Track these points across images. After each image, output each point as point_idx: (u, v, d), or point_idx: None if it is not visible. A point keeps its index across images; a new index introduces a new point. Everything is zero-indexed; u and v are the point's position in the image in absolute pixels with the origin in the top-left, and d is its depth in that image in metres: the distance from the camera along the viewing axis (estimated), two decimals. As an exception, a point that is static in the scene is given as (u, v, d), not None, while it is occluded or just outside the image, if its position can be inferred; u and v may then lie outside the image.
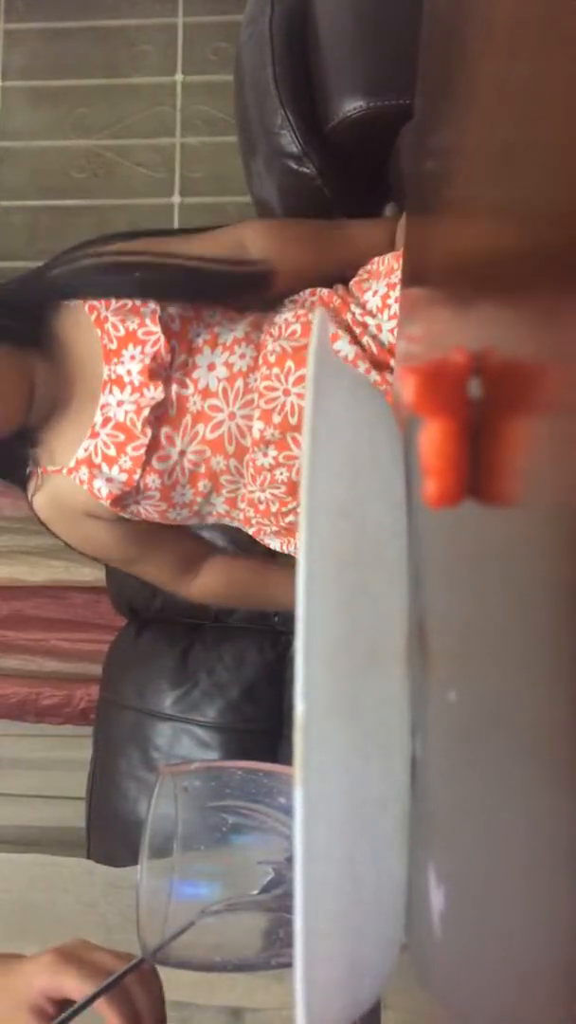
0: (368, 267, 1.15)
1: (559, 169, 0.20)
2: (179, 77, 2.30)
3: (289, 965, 0.37)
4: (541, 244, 0.22)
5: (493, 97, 0.28)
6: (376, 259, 1.14)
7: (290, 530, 1.16)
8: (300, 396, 1.07)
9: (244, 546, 1.36)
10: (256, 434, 1.08)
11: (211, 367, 1.09)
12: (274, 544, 1.20)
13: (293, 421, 1.07)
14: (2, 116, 2.34)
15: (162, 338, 1.07)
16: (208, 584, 1.25)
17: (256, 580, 1.28)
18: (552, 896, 0.20)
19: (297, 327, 1.10)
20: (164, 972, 0.71)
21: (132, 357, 1.08)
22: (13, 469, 1.17)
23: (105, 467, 1.09)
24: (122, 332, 1.09)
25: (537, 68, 0.22)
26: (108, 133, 2.31)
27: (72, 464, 1.11)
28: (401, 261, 1.09)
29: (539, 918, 0.21)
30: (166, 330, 1.08)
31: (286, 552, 1.21)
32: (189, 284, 1.11)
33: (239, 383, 1.08)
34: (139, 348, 1.08)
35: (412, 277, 0.60)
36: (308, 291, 1.16)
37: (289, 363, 1.07)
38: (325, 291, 1.15)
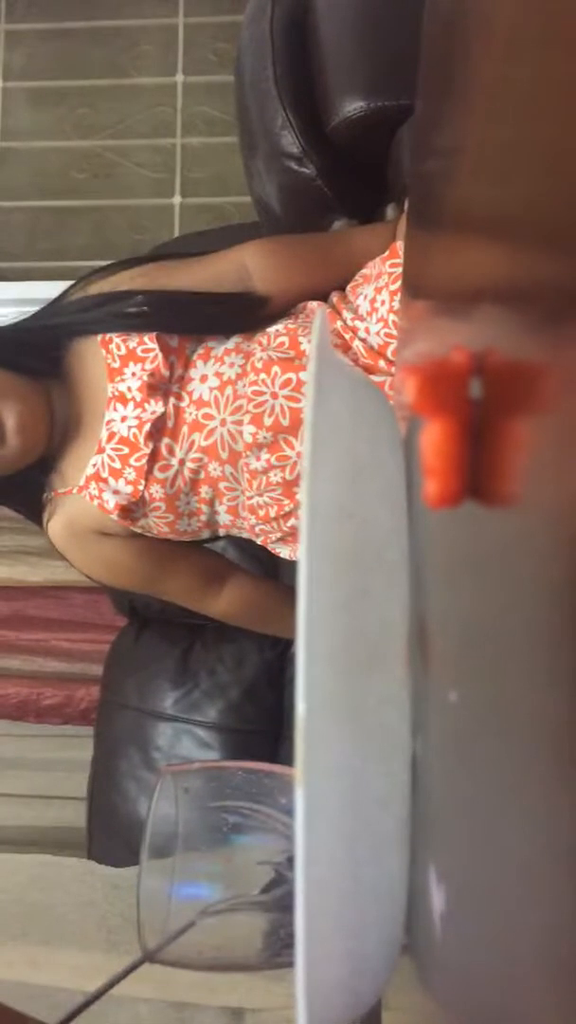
0: (363, 271, 1.16)
1: (559, 169, 0.20)
2: (180, 78, 2.30)
3: (290, 965, 0.37)
4: (540, 244, 0.22)
5: (494, 97, 0.28)
6: (370, 263, 1.15)
7: (295, 535, 1.17)
8: (288, 398, 1.09)
9: (256, 557, 1.37)
10: (248, 438, 1.10)
11: (203, 378, 1.12)
12: (283, 552, 1.21)
13: (284, 423, 1.09)
14: (3, 116, 2.34)
15: (160, 355, 1.11)
16: (234, 600, 1.26)
17: (278, 604, 1.29)
18: (552, 895, 0.20)
19: (285, 339, 1.12)
20: (164, 972, 0.71)
21: (133, 374, 1.12)
22: (29, 500, 1.20)
23: (112, 480, 1.12)
24: (124, 351, 1.13)
25: (538, 68, 0.23)
26: (109, 133, 2.31)
27: (82, 482, 1.13)
28: (390, 264, 1.10)
29: (539, 918, 0.21)
30: (164, 347, 1.12)
31: (294, 560, 1.21)
32: (182, 319, 1.14)
33: (228, 390, 1.11)
34: (139, 365, 1.12)
35: (413, 282, 0.60)
36: (301, 304, 1.18)
37: (276, 369, 1.09)
38: (314, 303, 1.17)
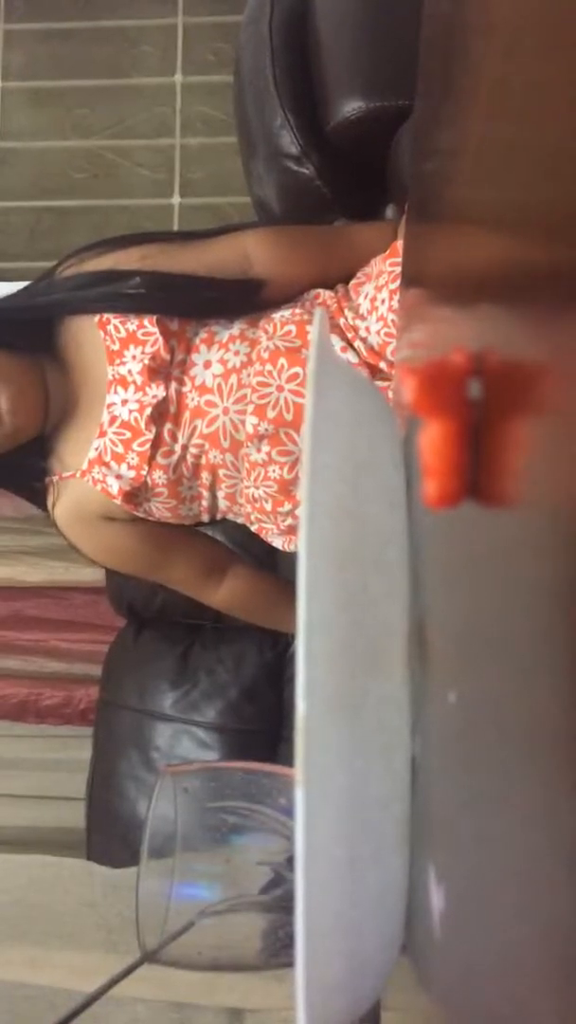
0: (365, 269, 1.16)
1: (558, 170, 0.20)
2: (179, 78, 2.30)
3: (289, 965, 0.37)
4: (540, 245, 0.22)
5: (492, 98, 0.28)
6: (372, 261, 1.15)
7: (292, 531, 1.17)
8: (293, 392, 1.08)
9: (253, 552, 1.37)
10: (250, 429, 1.09)
11: (207, 364, 1.11)
12: (277, 543, 1.21)
13: (288, 417, 1.08)
14: (2, 117, 2.34)
15: (160, 339, 1.09)
16: (235, 589, 1.26)
17: (278, 596, 1.29)
18: (552, 896, 0.20)
19: (292, 327, 1.10)
20: (163, 973, 0.71)
21: (133, 357, 1.10)
22: (28, 483, 1.19)
23: (115, 465, 1.11)
24: (123, 333, 1.11)
25: (537, 69, 0.23)
26: (108, 134, 2.31)
27: (85, 466, 1.13)
28: (390, 263, 1.10)
29: (539, 918, 0.21)
30: (164, 330, 1.10)
31: (289, 551, 1.21)
32: (180, 303, 1.13)
33: (233, 379, 1.10)
34: (140, 348, 1.10)
35: (412, 280, 0.60)
36: (313, 292, 1.17)
37: (282, 360, 1.08)
38: (326, 293, 1.16)
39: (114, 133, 2.31)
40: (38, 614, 2.05)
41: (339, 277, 1.17)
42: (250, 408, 1.09)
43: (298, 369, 1.08)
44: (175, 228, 2.26)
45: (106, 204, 2.29)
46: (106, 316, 1.11)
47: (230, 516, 1.21)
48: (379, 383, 1.09)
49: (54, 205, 2.30)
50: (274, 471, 1.11)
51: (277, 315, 1.13)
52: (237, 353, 1.10)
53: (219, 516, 1.21)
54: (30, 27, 2.35)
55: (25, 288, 1.18)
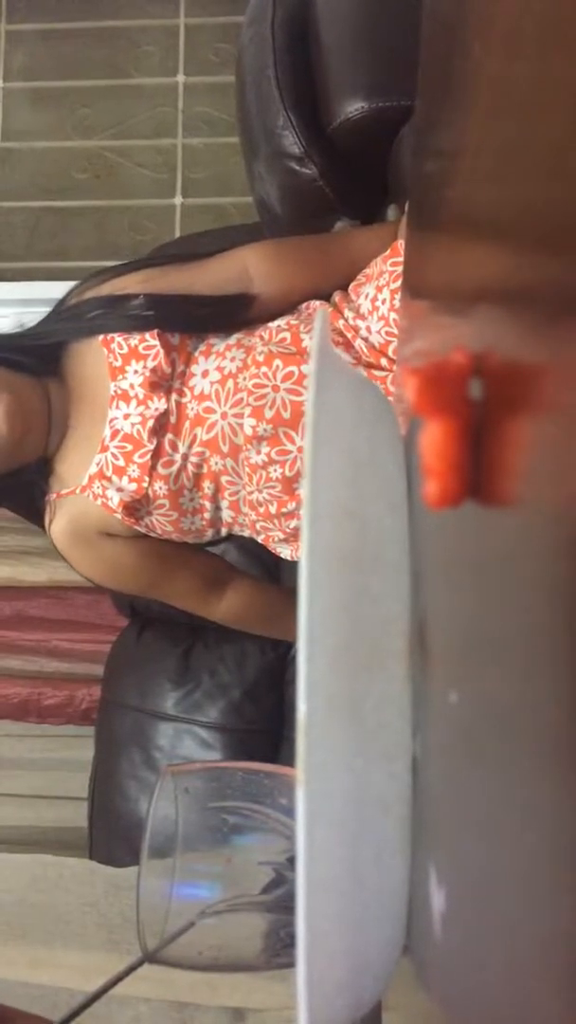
0: (365, 271, 1.16)
1: (559, 169, 0.20)
2: (181, 78, 2.30)
3: (290, 966, 0.37)
4: (541, 244, 0.22)
5: (493, 97, 0.28)
6: (372, 262, 1.15)
7: (297, 536, 1.17)
8: (289, 391, 1.09)
9: (259, 558, 1.37)
10: (248, 431, 1.10)
11: (205, 373, 1.12)
12: (284, 553, 1.21)
13: (286, 415, 1.09)
14: (4, 117, 2.34)
15: (161, 352, 1.11)
16: (236, 604, 1.26)
17: (280, 608, 1.29)
18: (552, 897, 0.20)
19: (287, 335, 1.12)
20: (164, 972, 0.71)
21: (135, 371, 1.12)
22: (31, 503, 1.20)
23: (116, 478, 1.12)
24: (126, 349, 1.13)
25: (538, 68, 0.22)
26: (110, 134, 2.31)
27: (85, 481, 1.13)
28: (391, 263, 1.10)
29: (539, 919, 0.21)
30: (165, 344, 1.12)
31: (295, 560, 1.22)
32: (181, 319, 1.15)
33: (229, 384, 1.11)
34: (141, 363, 1.12)
35: (412, 281, 0.60)
36: (303, 303, 1.19)
37: (277, 362, 1.09)
38: (317, 302, 1.18)
39: (116, 133, 2.31)
40: (40, 614, 2.05)
41: (337, 285, 1.18)
42: (247, 411, 1.10)
43: (293, 368, 1.09)
44: (177, 228, 2.26)
45: (107, 204, 2.29)
46: (111, 335, 1.13)
47: (236, 529, 1.21)
48: (377, 374, 1.10)
49: (55, 205, 2.30)
50: (275, 471, 1.11)
51: (273, 324, 1.15)
52: (233, 360, 1.12)
53: (224, 529, 1.21)
54: (32, 27, 2.35)
55: (36, 324, 1.21)
